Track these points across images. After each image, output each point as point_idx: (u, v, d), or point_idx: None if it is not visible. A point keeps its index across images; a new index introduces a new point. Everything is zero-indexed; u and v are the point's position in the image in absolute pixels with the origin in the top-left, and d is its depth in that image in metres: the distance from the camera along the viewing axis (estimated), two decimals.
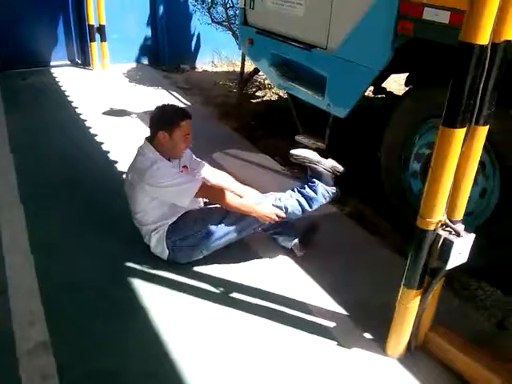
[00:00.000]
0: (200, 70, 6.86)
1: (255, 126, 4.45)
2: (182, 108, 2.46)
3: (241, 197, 2.45)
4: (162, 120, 2.37)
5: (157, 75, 6.26)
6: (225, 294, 2.28)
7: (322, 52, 3.15)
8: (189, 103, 5.15)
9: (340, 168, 2.48)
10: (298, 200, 2.39)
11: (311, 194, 2.40)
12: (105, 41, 6.09)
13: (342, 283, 2.37)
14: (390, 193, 2.97)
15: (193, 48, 6.91)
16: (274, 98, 5.47)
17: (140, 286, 2.31)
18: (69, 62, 6.42)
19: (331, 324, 2.11)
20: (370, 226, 2.90)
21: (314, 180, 2.44)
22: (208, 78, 6.27)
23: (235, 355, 1.95)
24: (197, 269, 2.44)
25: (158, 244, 2.40)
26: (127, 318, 2.13)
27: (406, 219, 2.74)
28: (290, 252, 2.58)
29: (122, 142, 3.91)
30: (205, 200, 2.62)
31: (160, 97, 5.31)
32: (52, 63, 6.26)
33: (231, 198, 2.34)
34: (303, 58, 3.37)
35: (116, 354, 1.94)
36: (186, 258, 2.42)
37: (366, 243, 2.76)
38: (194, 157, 2.68)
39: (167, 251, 2.38)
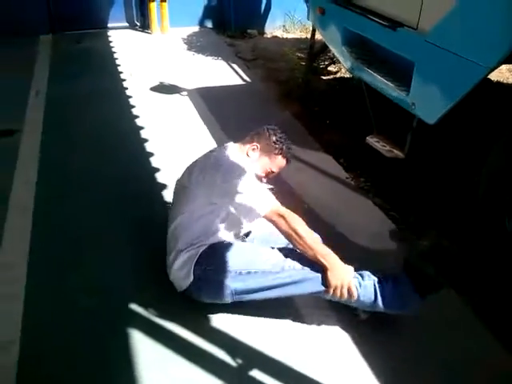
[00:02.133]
0: (269, 36, 6.13)
1: (321, 114, 3.73)
2: (290, 149, 2.15)
3: None
4: (268, 136, 2.10)
5: (220, 42, 5.64)
6: (242, 372, 1.71)
7: (410, 33, 2.38)
8: (248, 79, 4.51)
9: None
10: (374, 287, 1.76)
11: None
12: (165, 1, 5.53)
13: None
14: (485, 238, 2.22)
15: (262, 10, 6.16)
16: (349, 75, 4.67)
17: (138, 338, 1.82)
18: (127, 25, 5.98)
19: None
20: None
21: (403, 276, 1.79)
22: (276, 47, 5.53)
23: None
24: (215, 325, 1.88)
25: (183, 266, 1.85)
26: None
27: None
28: (348, 313, 1.91)
29: (164, 130, 3.39)
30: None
31: (218, 70, 4.71)
32: (110, 25, 5.85)
33: (306, 231, 1.78)
34: (385, 38, 2.61)
35: None
36: (209, 297, 1.87)
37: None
38: None
39: (191, 278, 1.84)
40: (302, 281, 1.77)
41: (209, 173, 1.89)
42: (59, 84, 4.12)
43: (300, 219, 1.82)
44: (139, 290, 2.02)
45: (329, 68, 4.79)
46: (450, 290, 2.06)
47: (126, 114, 3.63)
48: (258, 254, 1.86)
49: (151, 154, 3.07)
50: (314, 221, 2.39)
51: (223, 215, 1.90)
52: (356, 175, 2.95)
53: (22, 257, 2.19)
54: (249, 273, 1.78)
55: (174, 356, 1.76)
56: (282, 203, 1.85)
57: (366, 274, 1.79)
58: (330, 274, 1.72)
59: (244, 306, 1.89)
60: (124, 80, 4.28)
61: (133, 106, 3.74)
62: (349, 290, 1.72)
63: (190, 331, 1.85)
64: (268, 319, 1.90)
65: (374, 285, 1.75)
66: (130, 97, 3.92)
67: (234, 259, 1.82)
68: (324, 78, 4.64)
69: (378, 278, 1.78)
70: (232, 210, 1.87)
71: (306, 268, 1.77)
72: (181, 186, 2.01)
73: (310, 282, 1.76)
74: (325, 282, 1.74)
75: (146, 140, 3.25)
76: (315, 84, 4.34)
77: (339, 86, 4.32)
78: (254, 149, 2.05)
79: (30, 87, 4.04)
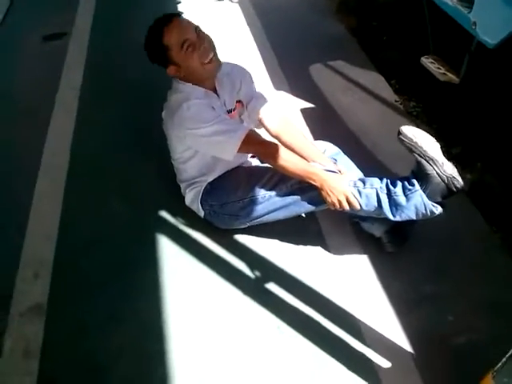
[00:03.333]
0: None
1: (379, 29, 3.46)
2: (157, 19, 1.69)
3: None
4: (152, 55, 1.73)
5: None
6: (259, 283, 1.78)
7: None
8: None
9: (460, 182, 1.60)
10: (378, 196, 1.65)
11: (400, 199, 1.63)
12: None
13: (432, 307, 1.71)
14: None
15: None
16: None
17: (164, 244, 1.92)
18: None
19: (383, 363, 1.54)
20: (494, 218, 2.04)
21: (414, 182, 1.63)
22: None
23: (246, 360, 1.54)
24: (237, 239, 1.94)
25: (193, 202, 1.92)
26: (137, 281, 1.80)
27: None
28: (374, 243, 1.88)
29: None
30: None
31: None
32: None
33: (287, 157, 1.68)
34: None
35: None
36: (225, 225, 1.92)
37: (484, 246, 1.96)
38: (254, 87, 1.96)
39: (203, 212, 1.90)
40: (303, 198, 1.73)
41: (168, 114, 1.76)
42: None
43: (276, 144, 1.75)
44: (169, 199, 2.09)
45: None
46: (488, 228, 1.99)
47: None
48: (256, 176, 1.81)
49: None
50: (355, 148, 2.33)
51: (203, 157, 1.82)
52: (406, 99, 2.78)
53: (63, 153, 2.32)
54: (251, 200, 1.78)
55: (196, 264, 1.85)
56: (322, 128, 1.76)
57: (369, 181, 1.68)
58: (323, 193, 1.66)
59: (271, 230, 1.93)
60: None
61: (181, 13, 3.62)
62: (348, 202, 1.65)
63: (213, 242, 1.93)
64: (291, 240, 1.93)
65: (377, 193, 1.64)
66: (179, 2, 3.79)
67: (234, 190, 1.81)
68: None
69: (381, 178, 1.68)
70: (206, 152, 1.79)
71: (303, 185, 1.71)
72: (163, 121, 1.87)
73: (312, 198, 1.72)
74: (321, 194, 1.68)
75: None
76: None
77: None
78: (175, 69, 1.70)
79: None
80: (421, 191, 1.61)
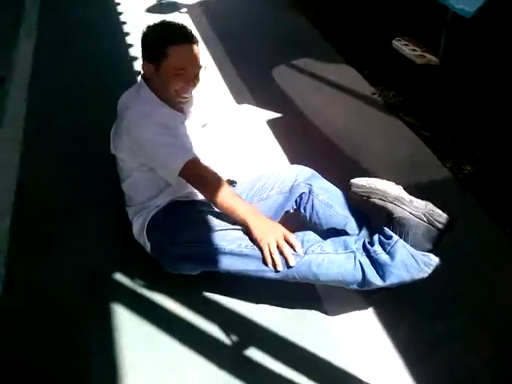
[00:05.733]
0: None
1: (341, 16, 3.14)
2: (181, 26, 1.57)
3: None
4: (147, 43, 1.57)
5: None
6: (238, 351, 1.43)
7: None
8: None
9: (443, 216, 1.28)
10: (359, 262, 1.32)
11: (383, 257, 1.30)
12: None
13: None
14: None
15: None
16: None
17: (121, 316, 1.57)
18: None
19: None
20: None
21: (390, 233, 1.32)
22: None
23: None
24: (209, 296, 1.60)
25: (139, 234, 1.61)
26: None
27: None
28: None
29: None
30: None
31: None
32: None
33: (225, 194, 1.45)
34: None
35: None
36: (174, 269, 1.59)
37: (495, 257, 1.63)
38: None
39: (149, 245, 1.59)
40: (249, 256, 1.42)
41: (118, 131, 1.58)
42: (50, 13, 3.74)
43: (216, 175, 1.51)
44: (122, 260, 1.76)
45: None
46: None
47: (118, 42, 3.22)
48: (217, 222, 1.52)
49: None
50: (333, 155, 2.02)
51: (153, 175, 1.57)
52: (384, 89, 2.46)
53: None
54: (205, 246, 1.47)
55: (159, 334, 1.52)
56: (293, 139, 1.47)
57: (342, 243, 1.38)
58: (254, 232, 1.39)
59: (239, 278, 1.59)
60: (118, 4, 3.82)
61: (127, 34, 3.32)
62: (282, 253, 1.35)
63: (180, 304, 1.59)
64: (273, 293, 1.57)
65: (355, 256, 1.33)
66: (125, 23, 3.48)
67: (184, 227, 1.53)
68: None
69: (363, 243, 1.36)
70: (149, 163, 1.57)
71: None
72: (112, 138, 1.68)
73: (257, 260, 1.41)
74: (254, 241, 1.40)
75: (138, 72, 2.86)
76: None
77: None
78: (147, 68, 1.56)
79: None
80: (401, 241, 1.30)
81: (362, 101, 2.43)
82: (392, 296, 1.48)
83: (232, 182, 1.79)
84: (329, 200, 1.61)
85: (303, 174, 1.67)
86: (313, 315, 1.51)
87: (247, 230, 1.42)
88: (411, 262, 1.28)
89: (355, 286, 1.35)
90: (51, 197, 2.06)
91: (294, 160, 2.03)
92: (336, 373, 1.36)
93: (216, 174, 1.51)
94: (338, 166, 1.96)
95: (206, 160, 1.68)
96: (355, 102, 2.44)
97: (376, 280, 1.30)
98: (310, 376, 1.35)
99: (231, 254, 1.43)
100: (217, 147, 1.83)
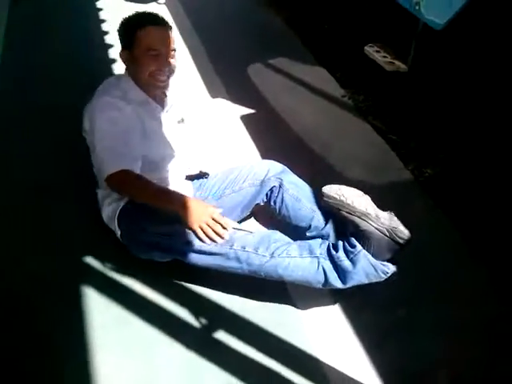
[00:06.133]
0: None
1: (317, 18, 3.23)
2: (152, 13, 1.62)
3: None
4: (120, 31, 1.64)
5: None
6: (206, 334, 1.49)
7: None
8: None
9: (405, 233, 1.40)
10: (322, 267, 1.42)
11: (345, 263, 1.40)
12: None
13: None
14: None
15: None
16: None
17: (91, 298, 1.59)
18: None
19: None
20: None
21: (355, 243, 1.42)
22: None
23: None
24: (177, 281, 1.65)
25: (110, 219, 1.63)
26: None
27: None
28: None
29: None
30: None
31: None
32: None
33: (153, 190, 1.51)
34: None
35: None
36: (145, 255, 1.63)
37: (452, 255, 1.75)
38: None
39: (119, 232, 1.61)
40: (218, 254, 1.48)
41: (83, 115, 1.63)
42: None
43: (143, 179, 1.52)
44: (93, 242, 1.78)
45: None
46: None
47: (95, 30, 3.20)
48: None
49: None
50: (303, 153, 2.10)
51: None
52: (354, 92, 2.56)
53: None
54: (167, 237, 1.52)
55: (129, 316, 1.55)
56: (265, 135, 1.53)
57: (307, 246, 1.46)
58: (186, 219, 1.45)
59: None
60: None
61: (103, 21, 3.29)
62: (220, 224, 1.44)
63: (149, 287, 1.62)
64: (240, 278, 1.61)
65: (319, 261, 1.42)
66: (101, 9, 3.46)
67: (153, 219, 1.54)
68: None
69: (328, 248, 1.46)
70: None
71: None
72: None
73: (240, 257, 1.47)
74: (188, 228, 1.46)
75: (114, 60, 2.86)
76: None
77: None
78: (124, 55, 1.61)
79: None
80: (364, 251, 1.41)
81: (333, 102, 2.52)
82: (356, 288, 1.57)
83: (205, 174, 1.84)
84: (298, 194, 1.69)
85: (274, 168, 1.73)
86: (279, 302, 1.58)
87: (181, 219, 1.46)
88: (371, 271, 1.40)
89: (318, 286, 1.45)
90: (22, 175, 2.06)
91: (265, 155, 2.10)
92: (299, 355, 1.43)
93: (144, 178, 1.53)
94: (307, 162, 2.04)
95: (180, 153, 1.74)
96: (326, 103, 2.52)
97: (337, 283, 1.41)
98: (274, 357, 1.42)
99: (200, 250, 1.48)
100: (190, 140, 1.87)
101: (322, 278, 1.42)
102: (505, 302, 1.56)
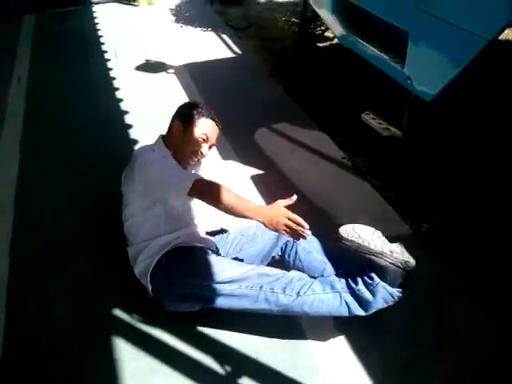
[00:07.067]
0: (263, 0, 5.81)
1: (315, 87, 3.54)
2: (212, 112, 1.95)
3: None
4: (184, 108, 1.95)
5: (209, 11, 5.36)
6: (230, 380, 1.61)
7: None
8: (239, 51, 4.29)
9: (411, 262, 1.59)
10: (344, 300, 1.60)
11: (367, 295, 1.59)
12: None
13: None
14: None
15: None
16: None
17: (121, 347, 1.72)
18: None
19: None
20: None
21: (373, 276, 1.60)
22: (270, 13, 5.24)
23: None
24: (202, 332, 1.77)
25: (143, 275, 1.78)
26: None
27: None
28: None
29: (149, 114, 3.21)
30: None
31: (207, 42, 4.48)
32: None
33: (230, 200, 1.63)
34: (376, 4, 2.39)
35: None
36: (174, 306, 1.78)
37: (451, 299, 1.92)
38: None
39: (150, 286, 1.76)
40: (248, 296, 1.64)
41: (129, 174, 1.81)
42: (43, 65, 3.95)
43: (223, 186, 1.69)
44: (121, 294, 1.92)
45: (325, 34, 4.53)
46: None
47: (110, 97, 3.45)
48: (215, 268, 1.71)
49: (136, 141, 2.92)
50: (310, 210, 2.28)
51: (162, 211, 1.79)
52: (352, 154, 2.79)
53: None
54: (204, 288, 1.68)
55: (158, 365, 1.67)
56: (275, 194, 1.73)
57: (328, 283, 1.63)
58: (268, 223, 1.58)
59: (230, 315, 1.78)
60: (108, 60, 4.08)
61: (117, 89, 3.56)
62: (295, 222, 1.57)
63: (176, 338, 1.75)
64: (258, 327, 1.78)
65: (341, 295, 1.60)
66: (114, 78, 3.73)
67: (189, 273, 1.72)
68: (320, 45, 4.40)
69: (340, 276, 1.66)
70: (160, 199, 1.77)
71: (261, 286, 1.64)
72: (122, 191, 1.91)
73: (263, 301, 1.63)
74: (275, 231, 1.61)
75: (130, 126, 3.09)
76: (309, 54, 4.11)
77: (335, 54, 4.09)
78: (177, 126, 1.87)
79: (13, 72, 3.87)
80: (382, 283, 1.58)
81: (334, 163, 2.74)
82: (365, 325, 1.72)
83: (223, 231, 2.03)
84: (309, 247, 1.87)
85: None
86: (295, 344, 1.72)
87: (258, 220, 1.60)
88: (389, 298, 1.58)
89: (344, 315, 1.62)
90: (46, 232, 2.22)
91: None
92: None
93: (219, 185, 1.70)
94: (316, 218, 2.22)
95: (201, 211, 1.93)
96: (327, 164, 2.74)
97: (359, 312, 1.59)
98: None
99: (231, 294, 1.64)
100: None
101: (345, 310, 1.59)
102: (505, 350, 1.70)
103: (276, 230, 1.60)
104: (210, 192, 1.67)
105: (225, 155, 2.77)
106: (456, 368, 1.64)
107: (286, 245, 1.91)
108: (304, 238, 1.59)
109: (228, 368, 1.66)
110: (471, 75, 1.95)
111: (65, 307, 1.89)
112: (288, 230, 1.58)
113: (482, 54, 1.77)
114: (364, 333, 1.73)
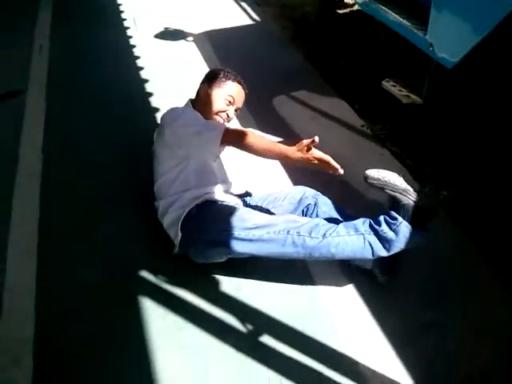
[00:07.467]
0: None
1: (335, 54, 3.51)
2: (239, 76, 2.06)
3: None
4: (211, 73, 2.07)
5: None
6: (252, 338, 1.69)
7: None
8: (258, 18, 4.25)
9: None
10: (368, 241, 1.66)
11: (389, 234, 1.64)
12: None
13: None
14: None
15: None
16: None
17: (148, 306, 1.81)
18: None
19: None
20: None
21: (396, 215, 1.65)
22: None
23: None
24: (224, 291, 1.86)
25: (172, 225, 1.86)
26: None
27: None
28: (364, 278, 1.86)
29: (169, 81, 3.24)
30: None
31: (226, 10, 4.45)
32: None
33: (261, 142, 1.73)
34: None
35: None
36: (201, 258, 1.86)
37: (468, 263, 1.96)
38: None
39: (180, 235, 1.83)
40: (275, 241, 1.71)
41: (161, 132, 1.91)
42: (62, 34, 3.98)
43: (254, 132, 1.79)
44: (148, 257, 2.01)
45: (346, 0, 4.46)
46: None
47: (130, 66, 3.48)
48: (244, 215, 1.80)
49: (156, 110, 2.97)
50: (328, 178, 2.29)
51: (193, 166, 1.88)
52: (372, 122, 2.80)
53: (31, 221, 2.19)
54: (227, 232, 1.75)
55: (183, 323, 1.76)
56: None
57: (352, 226, 1.69)
58: (299, 157, 1.69)
59: (254, 270, 1.88)
60: (128, 28, 4.09)
61: (137, 57, 3.58)
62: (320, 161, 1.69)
63: (200, 297, 1.84)
64: (280, 288, 1.86)
65: (363, 238, 1.66)
66: (134, 46, 3.75)
67: (217, 220, 1.80)
68: (340, 11, 4.33)
69: (370, 224, 1.69)
70: (193, 153, 1.85)
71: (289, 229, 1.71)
72: (153, 151, 2.02)
73: (290, 244, 1.70)
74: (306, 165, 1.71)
75: (150, 94, 3.13)
76: (329, 21, 4.06)
77: (356, 21, 4.03)
78: (204, 89, 1.99)
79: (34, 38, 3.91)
80: (405, 222, 1.64)
81: (353, 131, 2.75)
82: (384, 289, 1.79)
83: (248, 194, 2.10)
84: (330, 212, 1.93)
85: (310, 191, 2.01)
86: (315, 309, 1.79)
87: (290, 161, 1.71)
88: (410, 237, 1.63)
89: (368, 257, 1.69)
90: (74, 201, 2.31)
91: (296, 180, 2.34)
92: (334, 355, 1.63)
93: (249, 131, 1.78)
94: (335, 185, 2.26)
95: (228, 174, 2.00)
96: (347, 132, 2.75)
97: (382, 252, 1.65)
98: (312, 358, 1.62)
99: (259, 239, 1.71)
100: (232, 166, 2.11)
101: (369, 252, 1.66)
102: None
103: (309, 163, 1.68)
104: (242, 137, 1.74)
105: (244, 122, 2.80)
106: (475, 331, 1.69)
107: (308, 208, 1.96)
108: (336, 170, 1.65)
109: (250, 327, 1.74)
110: (493, 43, 1.92)
111: (92, 269, 1.99)
112: (317, 162, 1.67)
113: (505, 21, 1.75)
114: (383, 296, 1.80)
